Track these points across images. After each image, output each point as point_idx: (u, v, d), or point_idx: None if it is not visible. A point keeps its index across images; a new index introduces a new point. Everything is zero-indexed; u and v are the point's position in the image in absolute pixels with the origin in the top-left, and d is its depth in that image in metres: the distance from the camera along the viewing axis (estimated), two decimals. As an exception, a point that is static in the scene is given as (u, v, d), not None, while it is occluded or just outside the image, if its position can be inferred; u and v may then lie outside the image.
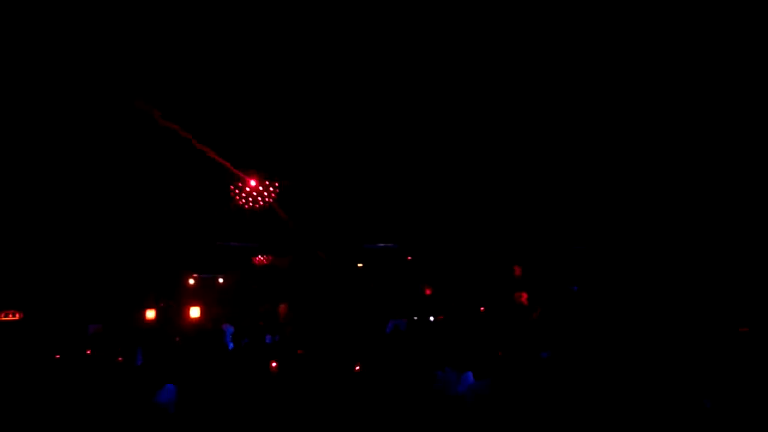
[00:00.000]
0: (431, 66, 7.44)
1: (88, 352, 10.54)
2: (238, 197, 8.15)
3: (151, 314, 16.50)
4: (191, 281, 16.92)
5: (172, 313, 16.38)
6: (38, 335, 11.98)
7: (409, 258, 16.67)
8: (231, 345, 11.43)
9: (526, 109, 9.16)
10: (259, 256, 13.38)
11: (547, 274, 16.08)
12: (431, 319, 15.02)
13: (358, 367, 7.73)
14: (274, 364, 8.10)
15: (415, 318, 14.80)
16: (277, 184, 8.78)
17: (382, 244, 14.89)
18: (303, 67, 7.52)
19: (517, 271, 16.02)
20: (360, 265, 17.31)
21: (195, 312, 18.05)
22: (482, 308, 14.76)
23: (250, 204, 8.12)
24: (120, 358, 9.76)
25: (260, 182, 8.11)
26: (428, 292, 15.80)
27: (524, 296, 15.47)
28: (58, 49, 6.52)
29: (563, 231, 14.78)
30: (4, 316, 12.37)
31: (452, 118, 9.12)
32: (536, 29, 6.58)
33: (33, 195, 11.59)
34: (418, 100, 8.81)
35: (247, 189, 8.08)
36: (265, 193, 8.24)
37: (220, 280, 17.53)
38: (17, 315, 12.52)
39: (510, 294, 14.75)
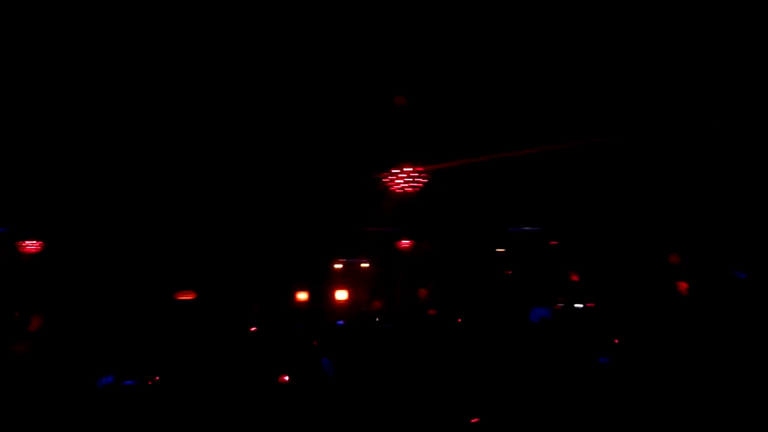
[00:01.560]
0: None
1: (252, 329, 11.52)
2: (391, 183, 8.42)
3: (302, 296, 17.63)
4: (338, 266, 17.76)
5: (322, 295, 17.35)
6: (210, 313, 13.31)
7: (554, 243, 16.16)
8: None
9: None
10: (403, 241, 13.73)
11: (709, 261, 14.75)
12: (579, 306, 14.43)
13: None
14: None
15: (560, 305, 14.30)
16: (426, 170, 8.96)
17: (527, 228, 14.57)
18: (454, 59, 7.58)
19: (674, 258, 14.84)
20: (501, 250, 17.09)
21: (342, 295, 18.99)
22: (634, 296, 13.90)
23: (403, 189, 8.36)
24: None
25: (412, 168, 8.32)
26: (575, 278, 15.14)
27: (684, 285, 14.30)
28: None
29: (730, 217, 13.52)
30: (182, 296, 13.89)
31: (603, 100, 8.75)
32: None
33: (203, 195, 12.87)
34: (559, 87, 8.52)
35: (400, 175, 8.33)
36: (417, 179, 8.43)
37: (365, 265, 18.23)
38: (192, 295, 14.00)
39: (669, 282, 13.72)
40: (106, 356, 7.69)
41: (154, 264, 14.84)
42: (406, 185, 8.91)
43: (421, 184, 8.66)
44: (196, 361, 8.27)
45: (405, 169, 8.59)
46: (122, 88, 7.93)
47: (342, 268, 17.91)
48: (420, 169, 8.52)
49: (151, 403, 6.54)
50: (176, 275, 14.72)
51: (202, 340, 10.33)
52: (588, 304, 13.81)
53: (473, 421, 5.91)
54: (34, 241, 14.39)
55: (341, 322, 12.28)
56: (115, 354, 7.94)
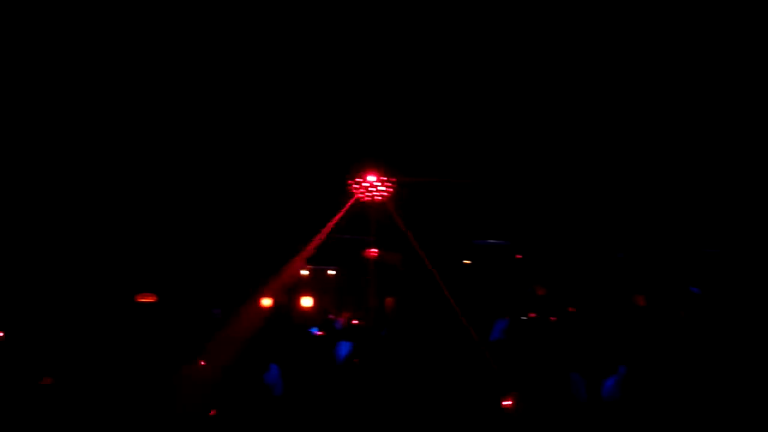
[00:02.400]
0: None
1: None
2: (356, 190, 8.42)
3: (267, 302, 17.45)
4: (305, 272, 17.63)
5: (287, 302, 17.20)
6: (170, 315, 13.08)
7: (519, 256, 16.34)
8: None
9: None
10: (370, 250, 13.73)
11: (666, 276, 15.13)
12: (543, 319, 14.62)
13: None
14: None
15: (523, 318, 14.47)
16: (393, 180, 8.99)
17: (492, 241, 14.72)
18: (425, 67, 7.63)
19: (631, 272, 15.21)
20: (467, 261, 17.21)
21: (307, 302, 18.86)
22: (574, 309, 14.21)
23: (368, 198, 8.37)
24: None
25: (378, 177, 8.33)
26: (541, 292, 15.36)
27: (641, 299, 14.65)
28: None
29: (689, 232, 13.87)
30: (142, 298, 13.61)
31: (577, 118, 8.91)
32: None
33: (165, 196, 12.65)
34: (535, 100, 8.65)
35: (366, 183, 8.34)
36: (383, 188, 8.45)
37: (331, 272, 18.15)
38: (153, 298, 13.74)
39: (627, 296, 14.03)
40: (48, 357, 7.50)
41: (114, 265, 14.51)
42: (374, 193, 8.92)
43: (388, 194, 8.67)
44: (141, 365, 8.10)
45: (372, 178, 8.60)
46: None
47: (309, 274, 17.81)
48: (387, 178, 8.54)
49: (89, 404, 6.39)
50: (137, 277, 14.43)
51: (158, 342, 10.13)
52: (551, 318, 14.00)
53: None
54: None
55: (315, 329, 12.08)
56: (58, 355, 7.75)
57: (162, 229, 14.47)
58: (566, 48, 7.04)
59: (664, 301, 13.75)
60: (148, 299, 13.87)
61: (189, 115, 9.25)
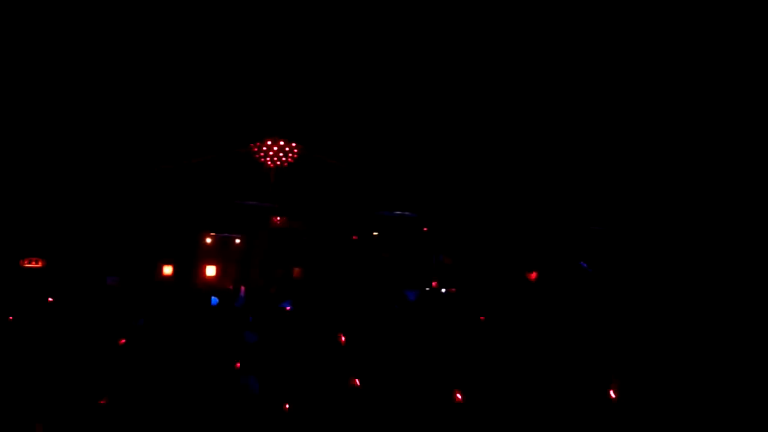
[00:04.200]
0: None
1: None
2: (260, 155, 8.22)
3: (168, 270, 16.82)
4: (208, 240, 17.13)
5: (189, 270, 16.66)
6: (59, 283, 12.28)
7: (426, 229, 16.71)
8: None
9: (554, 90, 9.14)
10: (277, 218, 13.51)
11: (560, 253, 16.00)
12: (443, 291, 15.10)
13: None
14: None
15: (427, 289, 14.88)
16: (296, 145, 8.85)
17: (399, 212, 14.94)
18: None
19: (530, 250, 15.98)
20: (375, 233, 17.38)
21: (211, 271, 18.36)
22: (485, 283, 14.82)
23: (271, 162, 8.20)
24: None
25: (283, 142, 8.18)
26: (448, 261, 15.84)
27: (534, 275, 15.45)
28: None
29: (581, 211, 14.70)
30: (28, 263, 12.69)
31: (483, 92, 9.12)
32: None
33: (60, 148, 11.79)
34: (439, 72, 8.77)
35: (271, 147, 8.15)
36: (287, 152, 8.30)
37: (237, 241, 17.73)
38: (40, 262, 12.84)
39: (521, 272, 14.75)
40: None
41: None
42: (280, 157, 8.75)
43: (291, 159, 8.54)
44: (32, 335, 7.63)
45: (277, 141, 8.43)
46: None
47: (212, 242, 17.30)
48: (288, 143, 8.39)
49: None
50: (23, 240, 13.41)
51: (46, 312, 9.54)
52: (450, 289, 14.50)
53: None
54: None
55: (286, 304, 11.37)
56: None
57: (54, 190, 13.50)
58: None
59: (556, 275, 14.55)
60: (34, 264, 12.96)
61: (85, 66, 8.64)
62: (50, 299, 9.95)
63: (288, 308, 11.16)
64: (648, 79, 8.22)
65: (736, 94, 8.49)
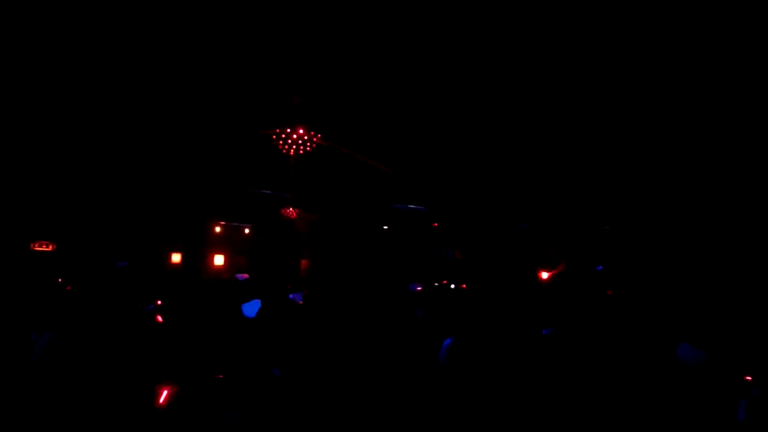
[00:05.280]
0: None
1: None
2: (279, 142, 8.13)
3: (177, 258, 16.79)
4: (218, 229, 17.10)
5: (198, 259, 16.64)
6: (69, 266, 12.26)
7: (436, 225, 16.64)
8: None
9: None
10: (289, 209, 13.42)
11: (573, 252, 15.91)
12: (452, 286, 15.01)
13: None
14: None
15: (436, 284, 14.79)
16: (316, 134, 8.75)
17: (412, 206, 14.86)
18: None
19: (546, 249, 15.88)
20: (386, 227, 17.34)
21: (219, 260, 18.33)
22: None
23: (291, 150, 8.11)
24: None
25: (305, 130, 8.09)
26: (459, 256, 15.77)
27: (546, 273, 15.32)
28: None
29: (593, 210, 14.63)
30: (39, 246, 12.68)
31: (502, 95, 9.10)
32: None
33: (74, 139, 11.75)
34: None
35: (292, 135, 8.06)
36: (306, 141, 8.21)
37: (246, 231, 17.71)
38: (51, 246, 12.82)
39: (532, 270, 14.66)
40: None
41: (8, 210, 13.38)
42: (297, 146, 8.66)
43: (309, 148, 8.45)
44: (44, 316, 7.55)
45: (297, 129, 8.34)
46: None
47: (222, 231, 17.28)
48: (308, 132, 8.31)
49: None
50: (35, 223, 13.38)
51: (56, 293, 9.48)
52: (461, 285, 14.41)
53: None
54: None
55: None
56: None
57: (65, 175, 13.47)
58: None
59: (568, 274, 14.44)
60: (45, 248, 12.95)
61: (102, 70, 8.63)
62: (60, 280, 9.93)
63: (300, 302, 11.07)
64: (664, 80, 8.12)
65: (757, 95, 8.39)
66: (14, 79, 9.00)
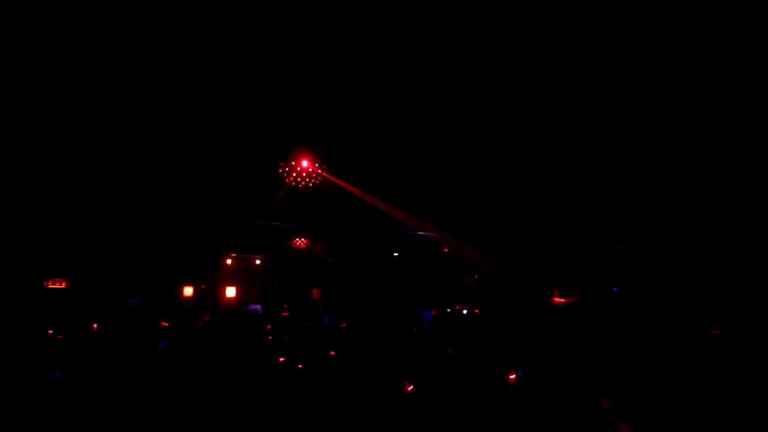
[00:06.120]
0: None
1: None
2: (286, 176, 8.21)
3: (188, 291, 16.81)
4: (229, 261, 17.15)
5: (210, 291, 16.66)
6: (82, 303, 12.32)
7: (446, 250, 16.61)
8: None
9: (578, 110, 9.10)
10: (298, 239, 13.47)
11: (586, 274, 15.77)
12: (464, 312, 14.89)
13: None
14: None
15: (448, 310, 14.67)
16: (322, 166, 8.83)
17: (422, 233, 14.87)
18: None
19: (555, 270, 15.74)
20: (396, 254, 17.30)
21: (231, 292, 18.32)
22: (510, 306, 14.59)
23: (298, 184, 8.18)
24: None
25: (310, 164, 8.16)
26: (471, 281, 15.67)
27: (559, 298, 15.17)
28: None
29: (604, 231, 14.54)
30: (52, 284, 12.77)
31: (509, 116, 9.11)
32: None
33: (83, 172, 11.90)
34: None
35: (296, 169, 8.15)
36: (312, 175, 8.28)
37: (257, 262, 17.73)
38: (64, 283, 12.90)
39: (548, 294, 14.53)
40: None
41: (22, 247, 13.52)
42: (305, 179, 8.73)
43: (316, 182, 8.52)
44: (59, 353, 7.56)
45: (303, 163, 8.41)
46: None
47: (232, 263, 17.32)
48: (314, 166, 8.37)
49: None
50: (47, 261, 13.50)
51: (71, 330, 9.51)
52: (475, 310, 14.28)
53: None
54: None
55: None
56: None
57: (78, 212, 13.62)
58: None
59: (583, 297, 14.30)
60: (58, 285, 13.04)
61: (110, 95, 8.76)
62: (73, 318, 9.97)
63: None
64: (680, 97, 8.12)
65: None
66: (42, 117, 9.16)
